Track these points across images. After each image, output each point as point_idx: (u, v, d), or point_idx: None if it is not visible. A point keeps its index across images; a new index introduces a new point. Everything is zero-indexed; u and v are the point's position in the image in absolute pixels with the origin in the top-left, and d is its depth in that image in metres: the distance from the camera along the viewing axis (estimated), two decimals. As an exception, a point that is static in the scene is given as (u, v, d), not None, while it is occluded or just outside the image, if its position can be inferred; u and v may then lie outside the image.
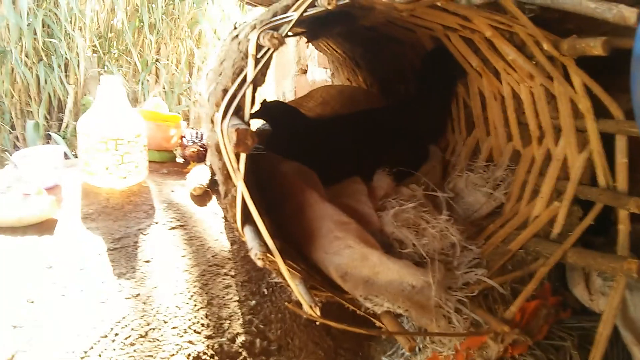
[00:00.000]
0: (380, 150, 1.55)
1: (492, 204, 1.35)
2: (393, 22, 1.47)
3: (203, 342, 1.13)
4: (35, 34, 3.56)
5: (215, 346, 1.14)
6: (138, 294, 1.16)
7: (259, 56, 0.98)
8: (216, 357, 1.13)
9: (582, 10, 0.98)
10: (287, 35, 0.99)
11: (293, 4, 0.99)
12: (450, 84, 1.56)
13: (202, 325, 1.16)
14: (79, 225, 1.32)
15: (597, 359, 1.03)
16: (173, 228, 1.39)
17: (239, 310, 1.23)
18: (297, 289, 0.91)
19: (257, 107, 1.58)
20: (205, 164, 1.77)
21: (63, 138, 3.53)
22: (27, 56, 3.59)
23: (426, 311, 1.01)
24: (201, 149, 1.84)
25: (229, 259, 1.34)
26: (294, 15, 0.95)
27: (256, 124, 1.88)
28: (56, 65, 3.65)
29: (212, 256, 1.33)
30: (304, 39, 2.73)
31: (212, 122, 1.01)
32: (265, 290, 1.29)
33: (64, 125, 3.71)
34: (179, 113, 3.40)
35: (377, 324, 0.99)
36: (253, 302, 1.25)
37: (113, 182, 1.50)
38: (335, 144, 1.54)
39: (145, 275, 1.22)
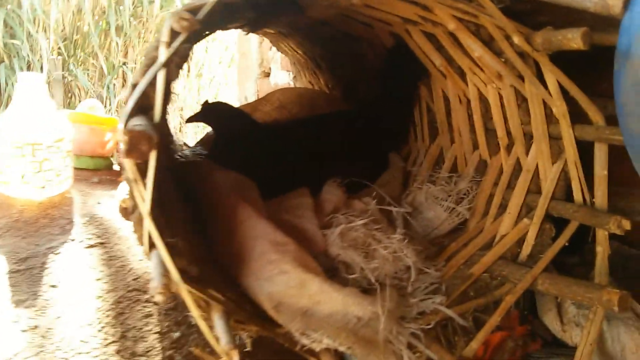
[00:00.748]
0: (335, 158, 1.39)
1: (454, 220, 1.22)
2: (348, 16, 1.32)
3: (110, 384, 0.96)
4: None
5: (125, 388, 0.97)
6: (36, 326, 0.99)
7: (172, 44, 0.82)
8: (125, 402, 0.96)
9: (557, -2, 0.83)
10: (212, 26, 0.83)
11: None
12: (412, 86, 1.41)
13: (112, 363, 0.98)
14: (-19, 243, 1.14)
15: (571, 400, 0.90)
16: (91, 246, 1.21)
17: (159, 344, 1.05)
18: (204, 327, 0.75)
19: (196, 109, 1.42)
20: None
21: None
22: (-13, 57, 3.43)
23: (373, 347, 0.90)
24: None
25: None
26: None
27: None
28: (18, 67, 3.51)
29: (134, 279, 1.15)
30: (267, 41, 2.61)
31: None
32: (193, 320, 1.10)
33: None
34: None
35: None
36: (177, 334, 1.08)
37: (30, 192, 1.31)
38: (283, 151, 1.38)
39: (49, 303, 1.05)
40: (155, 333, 1.07)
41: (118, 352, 1.01)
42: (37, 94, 1.32)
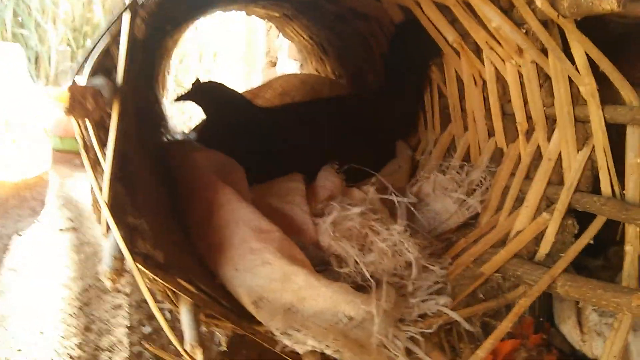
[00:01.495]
0: (335, 144, 1.27)
1: (464, 214, 1.10)
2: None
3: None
4: (4, 24, 3.34)
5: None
6: (-11, 312, 0.88)
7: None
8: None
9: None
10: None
11: None
12: (422, 66, 1.29)
13: (71, 357, 0.88)
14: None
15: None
16: (62, 230, 1.10)
17: (127, 339, 0.95)
18: (162, 319, 0.64)
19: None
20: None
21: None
22: (-6, 47, 3.36)
23: (365, 352, 0.81)
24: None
25: (127, 271, 1.05)
26: None
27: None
28: (26, 57, 3.44)
29: (105, 267, 1.03)
30: (274, 29, 2.50)
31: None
32: (168, 314, 0.99)
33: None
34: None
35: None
36: (148, 329, 0.97)
37: (2, 172, 1.21)
38: (279, 134, 1.26)
39: (5, 288, 0.94)
40: (123, 327, 0.96)
41: (80, 345, 0.90)
42: (15, 68, 1.22)
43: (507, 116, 1.10)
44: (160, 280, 0.73)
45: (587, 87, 0.88)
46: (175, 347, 0.68)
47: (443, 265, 0.98)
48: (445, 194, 1.12)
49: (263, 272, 0.82)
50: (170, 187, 1.01)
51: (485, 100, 1.15)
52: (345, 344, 0.78)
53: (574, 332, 1.02)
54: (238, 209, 0.89)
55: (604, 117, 0.88)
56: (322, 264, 0.92)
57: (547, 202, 0.99)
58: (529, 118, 1.04)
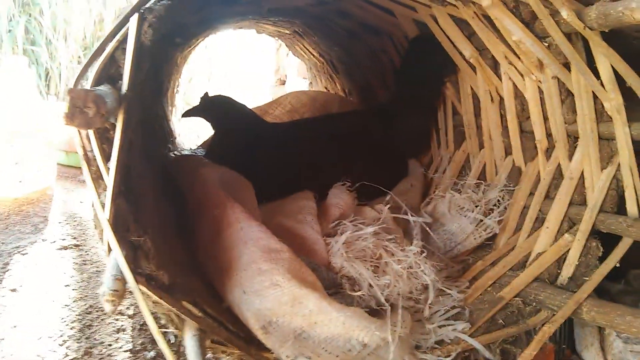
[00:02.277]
0: (347, 161, 1.23)
1: (481, 235, 1.06)
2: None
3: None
4: (15, 40, 3.34)
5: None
6: (-15, 335, 0.84)
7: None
8: None
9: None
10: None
11: None
12: (436, 82, 1.25)
13: (70, 383, 0.83)
14: None
15: None
16: (64, 248, 1.07)
17: (129, 364, 0.90)
18: (164, 345, 0.59)
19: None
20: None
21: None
22: (6, 63, 3.37)
23: None
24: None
25: (131, 292, 1.01)
26: None
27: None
28: (36, 74, 3.43)
29: (108, 287, 0.99)
30: (284, 46, 2.49)
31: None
32: (172, 338, 0.95)
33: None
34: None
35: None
36: (151, 354, 0.93)
37: (5, 186, 1.18)
38: (289, 151, 1.22)
39: (5, 308, 0.90)
40: (126, 351, 0.92)
41: (79, 371, 0.85)
42: (21, 81, 1.19)
43: (525, 134, 1.07)
44: (165, 303, 0.69)
45: (613, 102, 0.84)
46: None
47: (460, 288, 0.93)
48: (462, 213, 1.08)
49: (272, 294, 0.77)
50: (177, 204, 0.98)
51: (502, 117, 1.11)
52: (359, 372, 0.74)
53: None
54: (247, 227, 0.85)
55: (631, 135, 0.84)
56: (334, 287, 0.87)
57: (569, 223, 0.95)
58: (548, 135, 1.00)
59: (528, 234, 1.00)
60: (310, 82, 2.38)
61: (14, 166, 1.18)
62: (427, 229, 1.05)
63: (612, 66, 0.82)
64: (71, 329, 0.91)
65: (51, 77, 3.58)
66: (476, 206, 1.07)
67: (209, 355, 0.77)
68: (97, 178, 0.69)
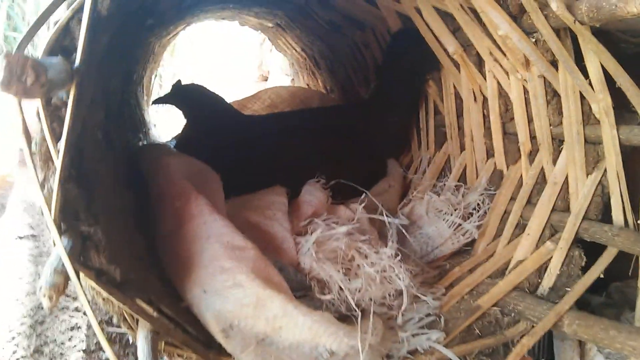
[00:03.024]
0: (323, 157, 1.18)
1: (459, 239, 1.01)
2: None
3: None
4: None
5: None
6: None
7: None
8: None
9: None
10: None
11: None
12: (418, 79, 1.21)
13: (15, 384, 0.77)
14: None
15: None
16: (20, 238, 1.00)
17: (82, 365, 0.84)
18: (107, 346, 0.54)
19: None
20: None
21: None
22: (-14, 50, 3.30)
23: None
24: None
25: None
26: None
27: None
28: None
29: (64, 281, 0.93)
30: (268, 41, 2.44)
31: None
32: (131, 338, 0.89)
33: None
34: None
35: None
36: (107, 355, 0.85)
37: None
38: (262, 144, 1.17)
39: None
40: (80, 350, 0.86)
41: (27, 370, 0.79)
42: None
43: (508, 135, 1.03)
44: (115, 300, 0.63)
45: (601, 103, 0.80)
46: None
47: (436, 295, 0.89)
48: (440, 216, 1.03)
49: (234, 295, 0.72)
50: (139, 193, 0.92)
51: (485, 118, 1.07)
52: (325, 382, 0.69)
53: (577, 374, 0.92)
54: (210, 222, 0.79)
55: (619, 138, 0.80)
56: (302, 289, 0.82)
57: (552, 231, 0.90)
58: (532, 138, 0.96)
59: (508, 241, 0.95)
60: (292, 79, 2.34)
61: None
62: (404, 231, 1.00)
63: (601, 65, 0.78)
64: (21, 324, 0.85)
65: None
66: (455, 209, 1.03)
67: (164, 358, 0.71)
68: (47, 160, 0.63)
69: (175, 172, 0.88)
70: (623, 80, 0.76)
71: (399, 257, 0.87)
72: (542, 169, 0.94)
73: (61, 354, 0.85)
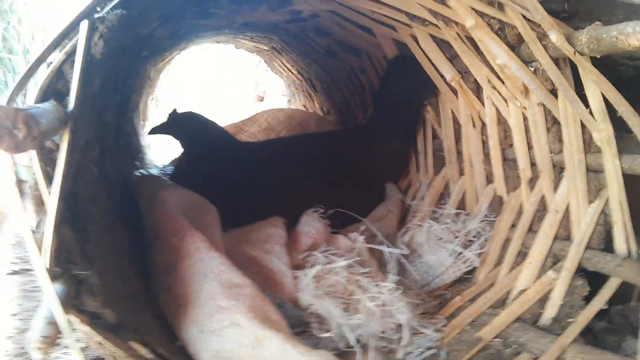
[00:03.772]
0: (322, 184, 1.17)
1: (460, 268, 0.99)
2: (346, 18, 1.12)
3: None
4: None
5: None
6: None
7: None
8: None
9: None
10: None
11: None
12: (416, 105, 1.20)
13: None
14: None
15: None
16: (14, 272, 0.99)
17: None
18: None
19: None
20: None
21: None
22: (-20, 71, 3.29)
23: None
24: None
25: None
26: None
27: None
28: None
29: (57, 318, 0.91)
30: (263, 62, 2.43)
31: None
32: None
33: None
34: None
35: None
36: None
37: (-47, 202, 1.09)
38: (260, 172, 1.16)
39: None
40: (72, 388, 0.84)
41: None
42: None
43: (508, 162, 1.02)
44: (110, 344, 0.62)
45: (602, 133, 0.79)
46: None
47: (437, 326, 0.87)
48: (440, 245, 1.02)
49: (232, 335, 0.71)
50: (134, 227, 0.90)
51: (484, 143, 1.06)
52: (325, 423, 0.67)
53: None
54: (207, 259, 0.78)
55: (621, 167, 0.78)
56: (301, 325, 0.81)
57: (554, 259, 0.89)
58: (533, 165, 0.95)
59: (510, 269, 0.94)
60: (289, 100, 2.33)
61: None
62: (404, 260, 0.98)
63: (602, 94, 0.77)
64: (12, 363, 0.83)
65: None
66: (455, 237, 1.01)
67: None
68: (40, 204, 0.62)
69: (171, 206, 0.87)
70: (624, 109, 0.75)
71: (400, 291, 0.85)
72: (543, 196, 0.93)
73: (54, 392, 0.83)
